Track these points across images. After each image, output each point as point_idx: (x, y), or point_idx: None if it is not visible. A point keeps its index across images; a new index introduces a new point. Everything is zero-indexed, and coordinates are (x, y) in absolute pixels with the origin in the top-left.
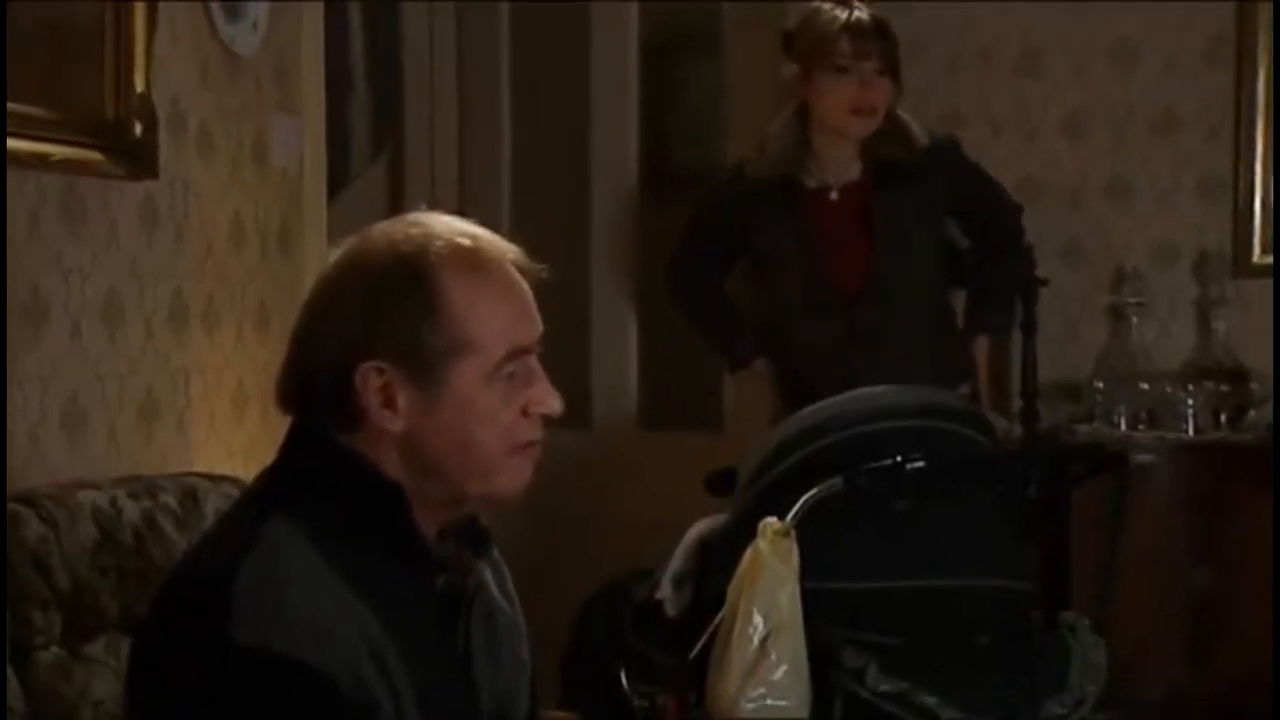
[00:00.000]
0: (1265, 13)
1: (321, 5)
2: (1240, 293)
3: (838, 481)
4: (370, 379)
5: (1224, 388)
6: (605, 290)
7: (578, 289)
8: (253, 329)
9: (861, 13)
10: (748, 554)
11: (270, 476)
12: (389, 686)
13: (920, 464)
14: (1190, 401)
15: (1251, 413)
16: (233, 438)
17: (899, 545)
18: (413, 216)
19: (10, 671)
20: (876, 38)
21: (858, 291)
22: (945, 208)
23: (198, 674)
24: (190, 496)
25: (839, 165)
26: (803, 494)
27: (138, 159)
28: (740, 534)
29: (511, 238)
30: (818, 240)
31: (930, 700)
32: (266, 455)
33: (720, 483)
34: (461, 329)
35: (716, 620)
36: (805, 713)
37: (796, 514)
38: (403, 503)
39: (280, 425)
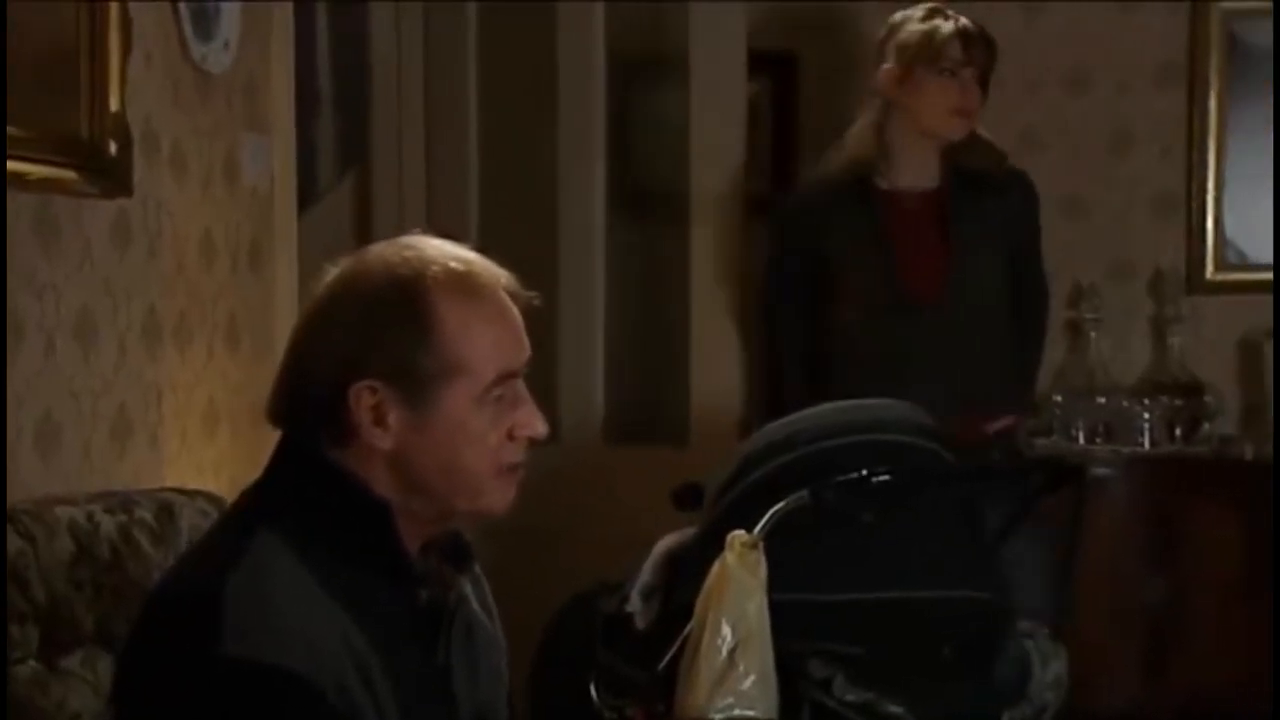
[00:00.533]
0: (1216, 37)
1: (291, 25)
2: (1194, 309)
3: (805, 495)
4: (363, 397)
5: (1179, 402)
6: (572, 306)
7: (545, 305)
8: (223, 346)
9: (966, 20)
10: (716, 566)
11: (258, 491)
12: (373, 699)
13: (886, 477)
14: (1146, 415)
15: (1205, 426)
16: (203, 454)
17: (864, 557)
18: (407, 240)
19: None
20: (983, 46)
21: (933, 295)
22: (1016, 234)
23: (189, 686)
24: (166, 511)
25: (919, 170)
26: (769, 507)
27: (112, 178)
28: (708, 547)
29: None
30: (894, 242)
31: (896, 710)
32: (237, 471)
33: (686, 497)
34: (454, 352)
35: (685, 632)
36: (774, 717)
37: (764, 527)
38: (389, 519)
39: (250, 441)
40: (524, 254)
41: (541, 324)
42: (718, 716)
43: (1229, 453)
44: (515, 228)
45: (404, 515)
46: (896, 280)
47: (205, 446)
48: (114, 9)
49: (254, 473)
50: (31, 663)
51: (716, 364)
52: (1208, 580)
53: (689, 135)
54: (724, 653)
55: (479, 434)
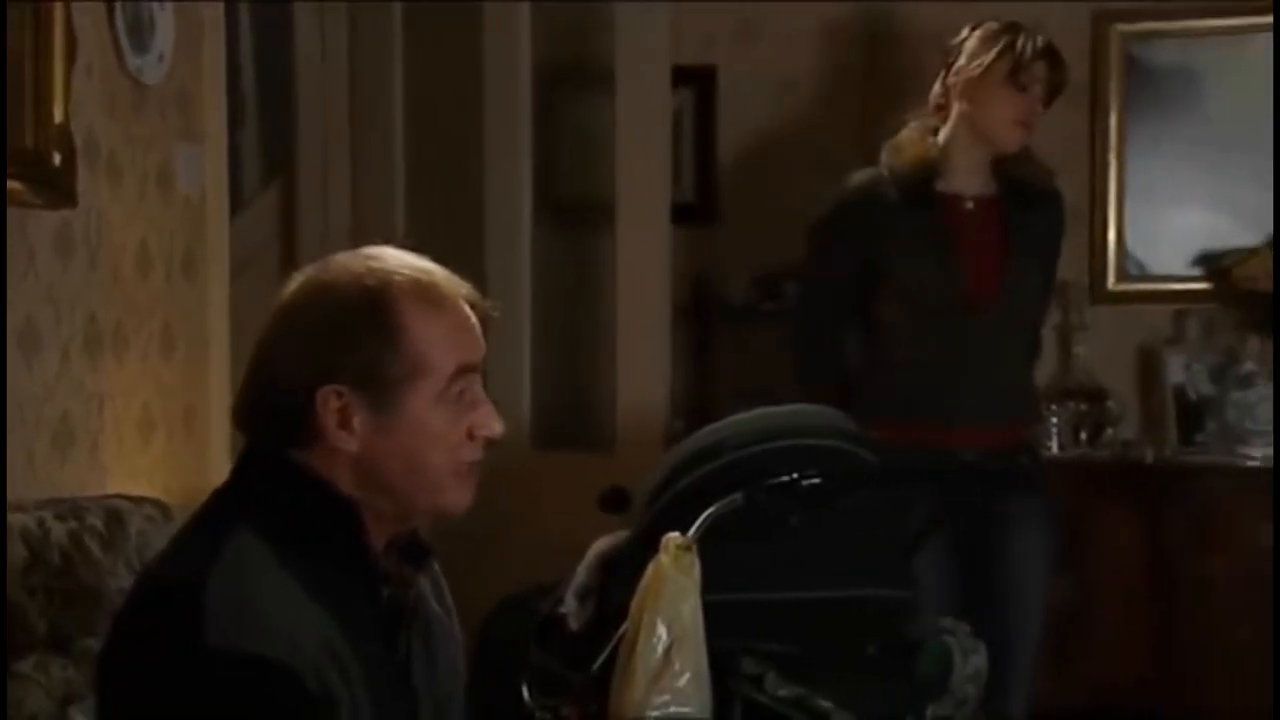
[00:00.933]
0: (1116, 58)
1: (223, 36)
2: (1097, 319)
3: (739, 498)
4: (330, 401)
5: (1084, 407)
6: (499, 313)
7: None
8: (158, 354)
9: (1040, 39)
10: (651, 568)
11: (228, 493)
12: (348, 689)
13: (816, 480)
14: (1054, 420)
15: (1109, 430)
16: (138, 461)
17: (792, 558)
18: (369, 251)
19: None
20: (1059, 67)
21: (989, 299)
22: (1052, 250)
23: (173, 676)
24: (115, 518)
25: (972, 177)
26: (702, 511)
27: (57, 188)
28: (642, 549)
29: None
30: (957, 244)
31: (826, 704)
32: (171, 478)
33: (612, 501)
34: (417, 355)
35: (620, 632)
36: (707, 715)
37: (698, 529)
38: (356, 518)
39: (184, 447)
40: (450, 260)
41: None
42: (654, 714)
43: (1131, 456)
44: (441, 234)
45: (368, 515)
46: (959, 280)
47: (140, 454)
48: (59, 21)
49: (189, 478)
50: None
51: (642, 370)
52: (1111, 580)
53: (615, 144)
54: (660, 651)
55: (440, 433)
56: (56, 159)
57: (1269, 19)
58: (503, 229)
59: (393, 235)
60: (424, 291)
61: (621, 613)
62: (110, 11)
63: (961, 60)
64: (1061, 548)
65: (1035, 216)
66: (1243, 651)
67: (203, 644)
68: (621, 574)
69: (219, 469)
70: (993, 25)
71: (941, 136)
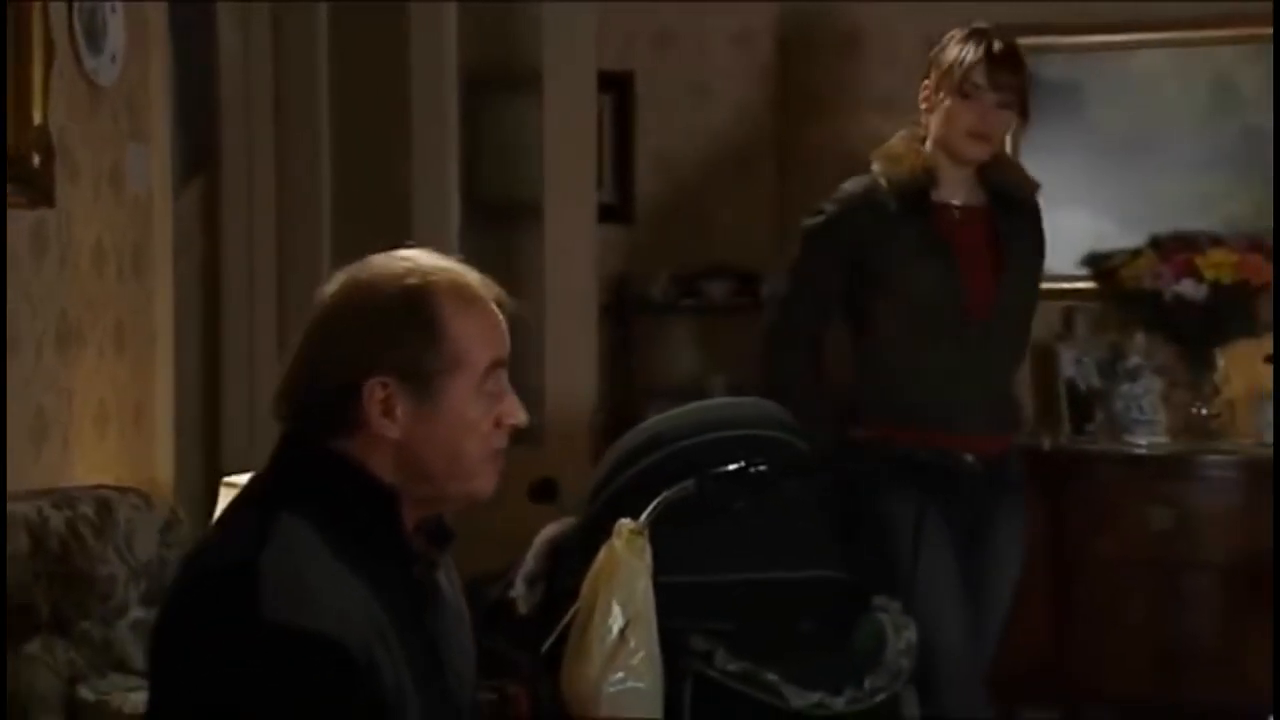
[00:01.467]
0: None
1: (168, 39)
2: None
3: (690, 485)
4: (375, 392)
5: None
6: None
7: None
8: (112, 349)
9: (999, 44)
10: (604, 552)
11: (269, 479)
12: (392, 663)
13: (764, 468)
14: None
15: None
16: (96, 454)
17: (735, 542)
18: (405, 253)
19: None
20: (1012, 71)
21: (986, 310)
22: (1041, 259)
23: (234, 651)
24: (105, 507)
25: (958, 187)
26: (650, 499)
27: (36, 188)
28: (590, 536)
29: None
30: (955, 254)
31: (772, 677)
32: (123, 470)
33: (541, 491)
34: (456, 349)
35: (570, 613)
36: (660, 690)
37: (650, 515)
38: (396, 503)
39: (134, 440)
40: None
41: None
42: (611, 689)
43: (1029, 444)
44: (368, 232)
45: (404, 500)
46: (956, 289)
47: (98, 446)
48: (37, 24)
49: (138, 471)
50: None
51: (569, 365)
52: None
53: (543, 146)
54: (615, 631)
55: (474, 422)
56: (36, 160)
57: (1148, 35)
58: (431, 228)
59: (318, 234)
60: (461, 291)
61: (571, 596)
62: (70, 13)
63: (931, 72)
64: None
65: (1024, 227)
66: (1135, 632)
67: (260, 619)
68: (570, 560)
69: (164, 462)
70: (955, 33)
71: (928, 146)
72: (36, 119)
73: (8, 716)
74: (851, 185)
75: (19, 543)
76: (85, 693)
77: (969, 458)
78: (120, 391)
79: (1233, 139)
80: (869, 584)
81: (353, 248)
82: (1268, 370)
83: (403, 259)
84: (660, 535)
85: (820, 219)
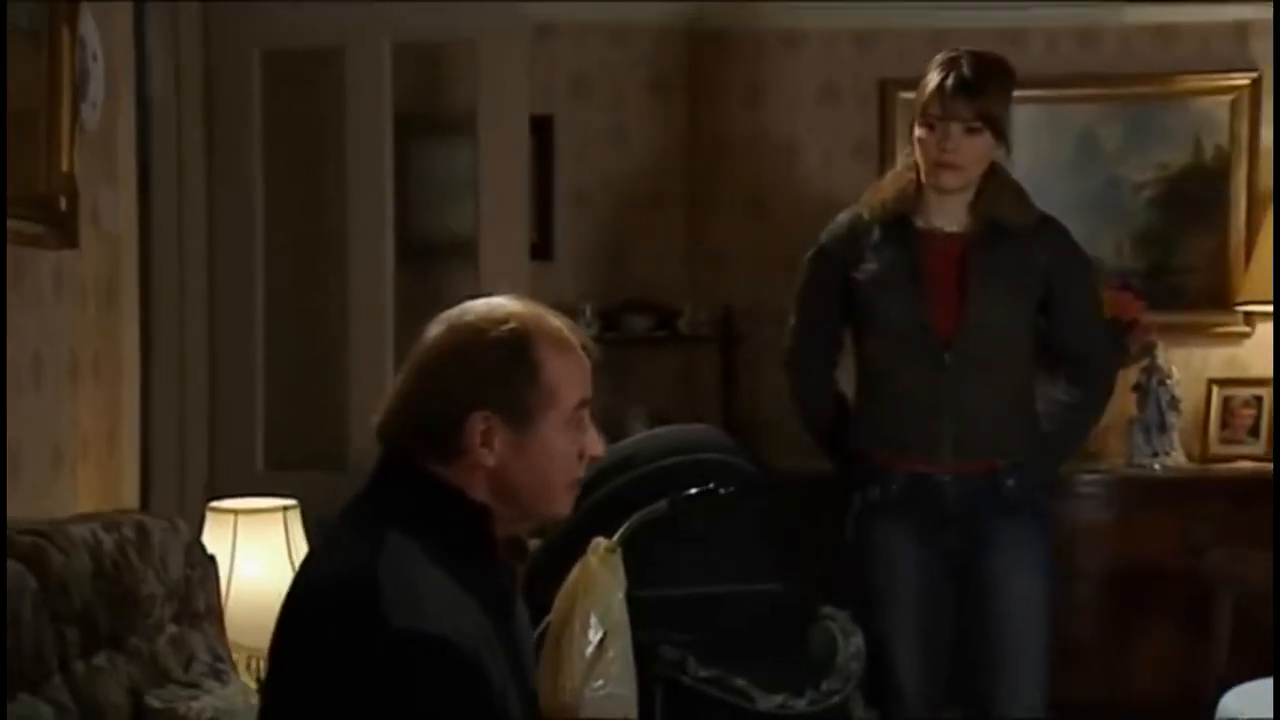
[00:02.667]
0: (900, 120)
1: (134, 85)
2: None
3: (663, 505)
4: (478, 424)
5: None
6: (363, 344)
7: (338, 342)
8: (92, 380)
9: (966, 70)
10: (578, 568)
11: (373, 499)
12: (496, 667)
13: (731, 489)
14: None
15: None
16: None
17: (696, 559)
18: (499, 300)
19: (60, 680)
20: (968, 98)
21: (954, 333)
22: (1041, 287)
23: (367, 656)
24: (142, 530)
25: (946, 215)
26: (619, 518)
27: (63, 231)
28: (562, 555)
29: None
30: (924, 277)
31: (741, 682)
32: (99, 499)
33: None
34: (550, 390)
35: (542, 625)
36: (635, 696)
37: (624, 534)
38: (490, 522)
39: (107, 472)
40: (313, 296)
41: (334, 360)
42: (593, 695)
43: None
44: (302, 270)
45: (494, 519)
46: (922, 311)
47: (72, 475)
48: (66, 76)
49: (111, 499)
50: (79, 662)
51: None
52: None
53: (478, 187)
54: (594, 643)
55: (562, 453)
56: (62, 203)
57: (1028, 92)
58: (365, 265)
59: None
60: (556, 337)
61: (543, 610)
62: (73, 64)
63: None
64: (1052, 567)
65: (1010, 254)
66: None
67: (386, 623)
68: (542, 576)
69: (131, 491)
70: (936, 58)
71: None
72: (64, 166)
73: None
74: (842, 215)
75: (83, 563)
76: (152, 701)
77: (949, 482)
78: (97, 419)
79: (1097, 187)
80: (815, 595)
81: (287, 288)
82: (1133, 397)
83: (502, 306)
84: (627, 552)
85: (813, 249)
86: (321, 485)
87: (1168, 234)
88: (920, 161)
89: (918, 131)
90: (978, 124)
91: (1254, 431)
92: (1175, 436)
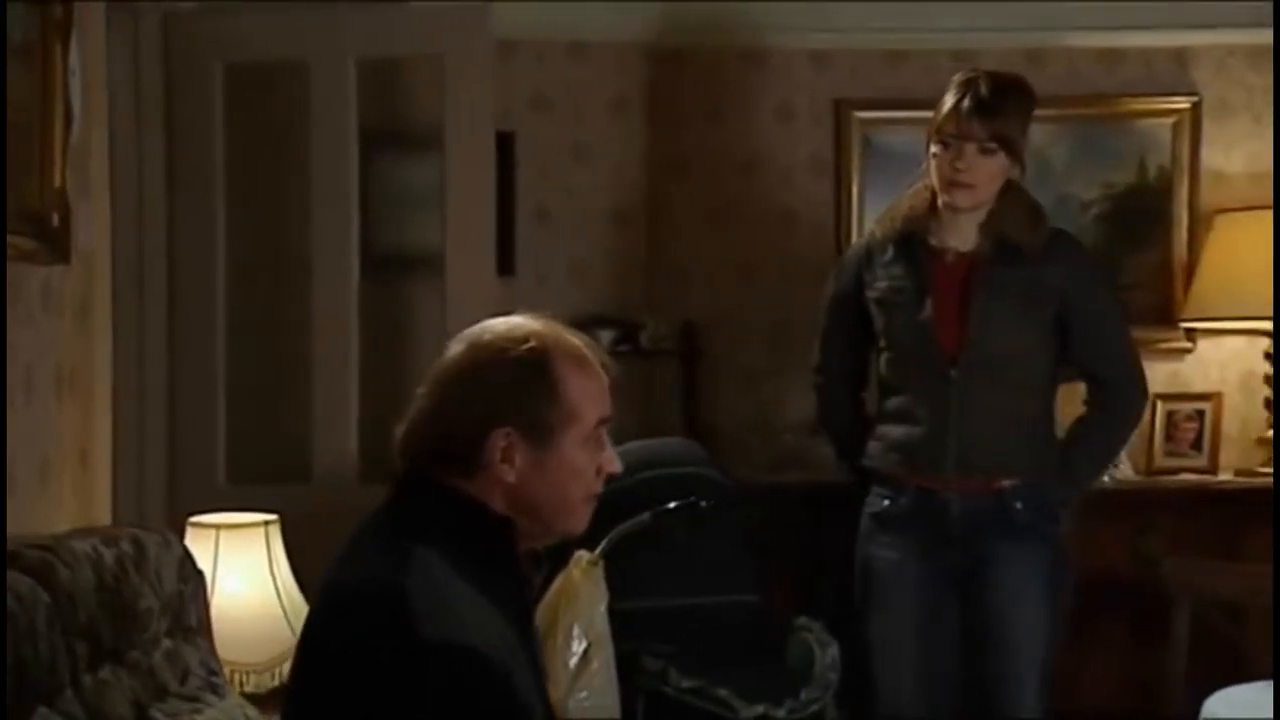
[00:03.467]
0: (855, 139)
1: (106, 98)
2: None
3: (645, 518)
4: (499, 440)
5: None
6: (327, 358)
7: (301, 356)
8: (69, 396)
9: (983, 90)
10: (560, 580)
11: (395, 513)
12: (520, 676)
13: (710, 503)
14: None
15: None
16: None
17: (674, 571)
18: (518, 320)
19: (71, 694)
20: (983, 119)
21: (960, 350)
22: (1057, 305)
23: (399, 667)
24: (137, 544)
25: (959, 234)
26: (598, 529)
27: (55, 246)
28: (546, 565)
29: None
30: (931, 292)
31: (723, 692)
32: (65, 518)
33: None
34: (570, 408)
35: None
36: (618, 705)
37: (606, 547)
38: (512, 535)
39: (81, 488)
40: (277, 308)
41: (297, 372)
42: (577, 704)
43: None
44: (265, 284)
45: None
46: (928, 330)
47: (47, 492)
48: (59, 93)
49: (84, 513)
50: (87, 676)
51: None
52: None
53: (444, 202)
54: (579, 653)
55: (581, 470)
56: (55, 219)
57: None
58: (330, 280)
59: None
60: (576, 356)
61: None
62: (64, 78)
63: None
64: (1062, 593)
65: (1020, 274)
66: None
67: (417, 635)
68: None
69: (102, 508)
70: (955, 78)
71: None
72: (57, 181)
73: None
74: (863, 237)
75: (86, 577)
76: (156, 714)
77: (955, 500)
78: (68, 435)
79: (1048, 205)
80: (791, 607)
81: (250, 302)
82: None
83: (522, 324)
84: (608, 564)
85: (840, 260)
86: (285, 499)
87: (1114, 251)
88: (934, 180)
89: (933, 149)
90: (992, 145)
91: (1197, 445)
92: (1124, 450)
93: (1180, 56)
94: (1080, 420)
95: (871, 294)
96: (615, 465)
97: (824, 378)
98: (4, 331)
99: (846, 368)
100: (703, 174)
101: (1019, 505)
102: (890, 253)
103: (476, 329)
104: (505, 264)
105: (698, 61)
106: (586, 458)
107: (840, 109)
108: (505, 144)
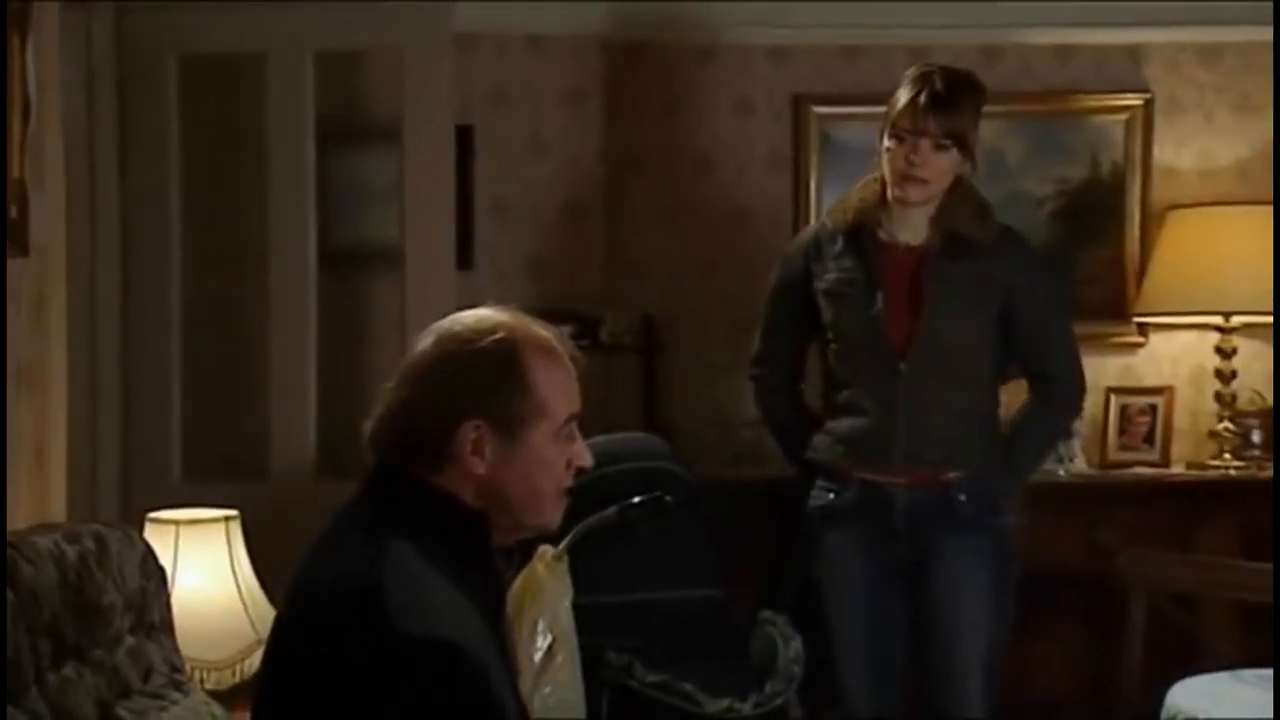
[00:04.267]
0: (813, 134)
1: (60, 90)
2: None
3: (611, 512)
4: (469, 433)
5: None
6: (284, 353)
7: (258, 351)
8: (25, 392)
9: (939, 86)
10: (524, 575)
11: (368, 506)
12: (495, 668)
13: (675, 498)
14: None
15: None
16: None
17: (636, 565)
18: (486, 311)
19: (36, 692)
20: (940, 115)
21: (909, 344)
22: (1003, 299)
23: (376, 662)
24: (100, 541)
25: (909, 227)
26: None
27: (14, 240)
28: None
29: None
30: (880, 285)
31: (688, 686)
32: (30, 509)
33: None
34: (541, 400)
35: None
36: (583, 700)
37: (571, 541)
38: (486, 527)
39: (37, 484)
40: (234, 303)
41: (255, 368)
42: (542, 701)
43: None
44: (222, 273)
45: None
46: (878, 323)
47: (15, 486)
48: (16, 82)
49: (39, 511)
50: (50, 673)
51: None
52: None
53: (403, 196)
54: (543, 649)
55: (551, 463)
56: (14, 212)
57: None
58: (287, 275)
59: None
60: (544, 348)
61: None
62: (22, 69)
63: None
64: (1008, 584)
65: (968, 268)
66: None
67: (394, 630)
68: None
69: (58, 506)
70: (908, 73)
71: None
72: (15, 172)
73: None
74: (806, 229)
75: (49, 574)
76: (122, 712)
77: (901, 492)
78: (27, 431)
79: (1001, 201)
80: (753, 601)
81: (205, 296)
82: None
83: (490, 316)
84: (573, 559)
85: (785, 255)
86: (242, 496)
87: (1067, 247)
88: (886, 173)
89: (886, 143)
90: (947, 141)
91: (1149, 438)
92: (1078, 443)
93: (1133, 54)
94: (1021, 413)
95: (820, 285)
96: (586, 459)
97: (765, 369)
98: (4, 329)
99: (789, 359)
100: (661, 169)
101: (963, 498)
102: (840, 244)
103: (446, 322)
104: (464, 258)
105: (655, 56)
106: (556, 450)
107: (798, 104)
108: (464, 137)
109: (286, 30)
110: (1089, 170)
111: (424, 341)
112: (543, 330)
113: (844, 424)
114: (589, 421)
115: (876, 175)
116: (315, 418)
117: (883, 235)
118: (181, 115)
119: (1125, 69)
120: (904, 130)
